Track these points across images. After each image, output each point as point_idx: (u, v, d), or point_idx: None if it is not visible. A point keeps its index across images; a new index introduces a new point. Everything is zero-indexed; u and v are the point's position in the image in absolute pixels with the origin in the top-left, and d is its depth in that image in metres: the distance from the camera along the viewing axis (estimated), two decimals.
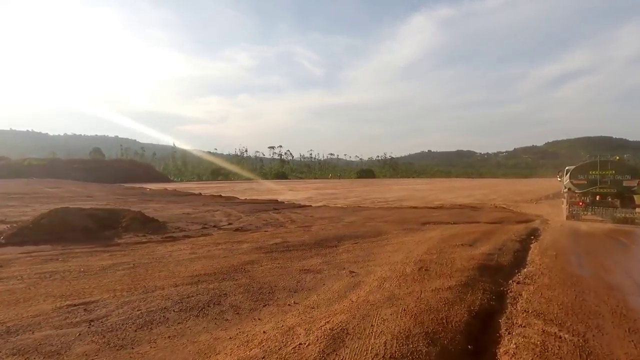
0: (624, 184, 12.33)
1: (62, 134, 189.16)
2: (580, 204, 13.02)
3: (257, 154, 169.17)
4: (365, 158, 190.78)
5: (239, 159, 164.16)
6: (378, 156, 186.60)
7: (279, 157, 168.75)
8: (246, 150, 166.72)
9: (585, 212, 13.00)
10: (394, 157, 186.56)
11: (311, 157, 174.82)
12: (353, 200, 25.19)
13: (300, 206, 18.52)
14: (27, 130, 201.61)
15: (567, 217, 13.52)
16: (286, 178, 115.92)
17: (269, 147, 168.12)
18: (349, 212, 15.74)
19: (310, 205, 19.02)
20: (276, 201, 21.41)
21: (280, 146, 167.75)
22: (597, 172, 12.70)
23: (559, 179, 15.97)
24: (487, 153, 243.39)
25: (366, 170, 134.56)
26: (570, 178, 13.47)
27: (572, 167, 13.87)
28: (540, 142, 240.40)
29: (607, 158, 13.05)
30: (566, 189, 14.11)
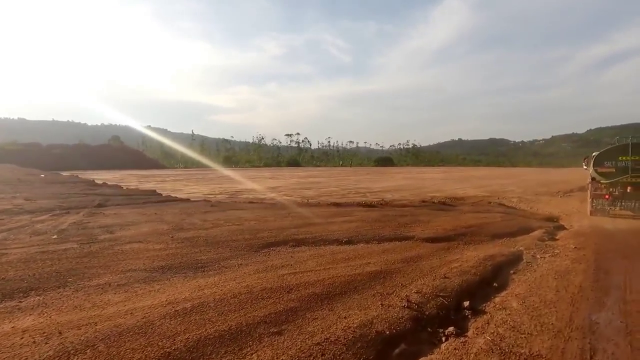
0: None
1: (99, 123, 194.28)
2: (607, 196, 10.72)
3: (275, 142, 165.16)
4: (387, 146, 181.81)
5: (256, 147, 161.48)
6: (400, 144, 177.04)
7: (296, 145, 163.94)
8: (263, 138, 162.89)
9: (613, 207, 10.80)
10: (419, 145, 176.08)
11: (329, 145, 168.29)
12: (327, 190, 20.44)
13: (170, 200, 12.50)
14: (68, 121, 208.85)
15: (591, 213, 11.19)
16: (299, 166, 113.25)
17: (286, 135, 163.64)
18: (212, 212, 9.47)
19: (189, 199, 13.00)
20: (153, 192, 15.59)
21: (298, 134, 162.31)
22: (628, 158, 10.50)
23: (585, 167, 12.40)
24: (522, 141, 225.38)
25: (385, 159, 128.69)
26: (594, 165, 11.03)
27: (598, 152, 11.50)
28: (581, 130, 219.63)
29: None
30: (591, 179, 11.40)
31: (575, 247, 6.84)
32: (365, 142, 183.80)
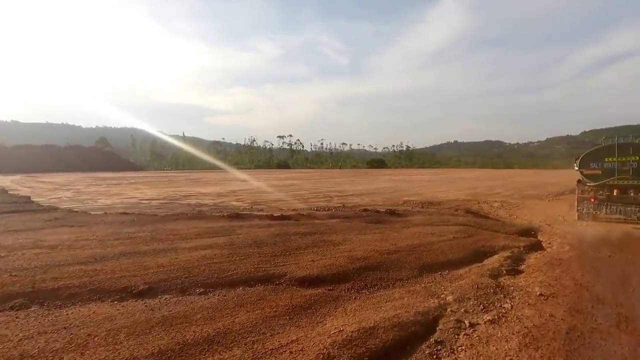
0: None
1: (94, 126, 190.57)
2: (593, 200, 9.90)
3: (267, 144, 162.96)
4: (380, 148, 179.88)
5: (248, 148, 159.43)
6: (393, 146, 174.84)
7: (288, 147, 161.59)
8: (254, 140, 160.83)
9: (599, 211, 9.86)
10: (413, 147, 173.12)
11: (322, 147, 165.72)
12: (293, 194, 18.58)
13: (26, 211, 9.65)
14: (62, 123, 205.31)
15: (578, 217, 10.23)
16: (289, 168, 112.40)
17: (278, 137, 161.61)
18: (21, 232, 6.64)
19: (56, 208, 10.15)
20: (27, 199, 12.98)
21: (290, 135, 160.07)
22: (615, 159, 9.71)
23: (576, 168, 11.53)
24: (517, 143, 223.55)
25: (377, 160, 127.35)
26: (580, 167, 10.27)
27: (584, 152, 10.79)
28: (576, 132, 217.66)
29: (628, 140, 9.69)
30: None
31: (540, 295, 4.13)
32: (359, 144, 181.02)
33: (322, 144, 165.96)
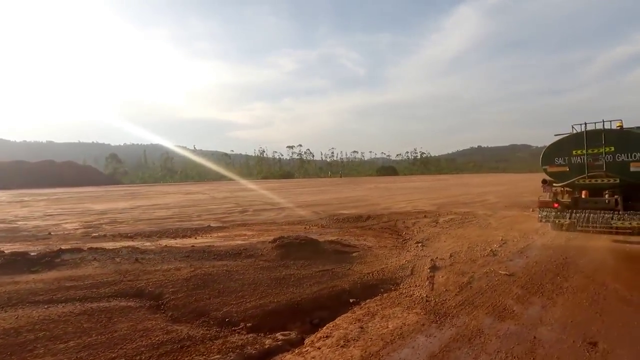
0: (631, 169, 7.10)
1: (122, 143, 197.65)
2: (555, 205, 7.99)
3: (276, 155, 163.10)
4: (393, 155, 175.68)
5: (258, 159, 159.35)
6: (407, 152, 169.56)
7: (298, 157, 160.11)
8: (264, 151, 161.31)
9: (562, 219, 7.74)
10: (428, 154, 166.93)
11: (333, 156, 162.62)
12: (204, 209, 16.81)
13: None
14: (92, 142, 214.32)
15: (553, 228, 8.34)
16: (292, 177, 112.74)
17: (287, 147, 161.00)
18: None
19: None
20: None
21: (300, 145, 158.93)
22: (583, 152, 7.60)
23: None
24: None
25: (387, 168, 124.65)
26: (543, 164, 8.28)
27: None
28: None
29: (601, 128, 7.58)
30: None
31: None
32: (371, 152, 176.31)
33: (332, 153, 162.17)
